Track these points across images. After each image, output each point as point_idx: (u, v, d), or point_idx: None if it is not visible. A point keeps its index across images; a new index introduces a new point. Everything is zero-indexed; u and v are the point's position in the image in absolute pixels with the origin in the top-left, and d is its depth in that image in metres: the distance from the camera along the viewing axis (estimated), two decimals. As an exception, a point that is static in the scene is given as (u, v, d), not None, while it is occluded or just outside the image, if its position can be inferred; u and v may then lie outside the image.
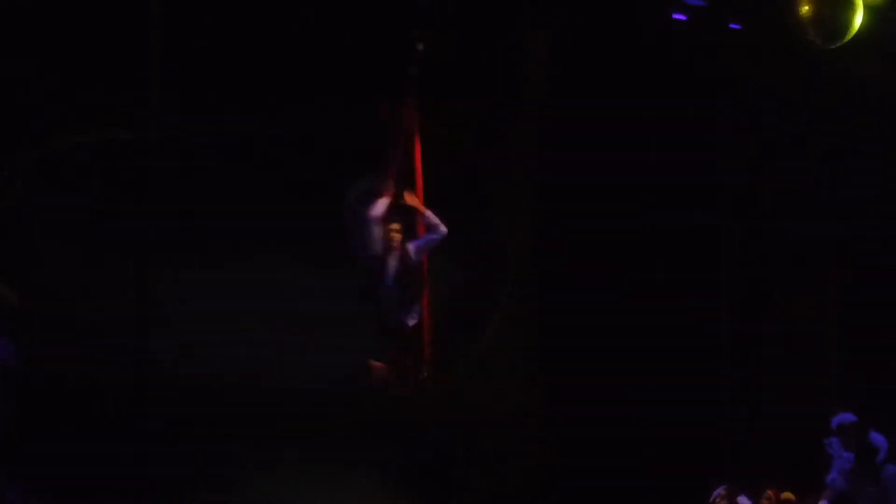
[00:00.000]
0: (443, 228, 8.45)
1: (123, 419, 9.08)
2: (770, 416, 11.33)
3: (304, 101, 9.89)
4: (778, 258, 11.75)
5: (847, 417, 10.22)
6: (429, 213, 8.45)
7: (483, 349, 10.68)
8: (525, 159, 11.03)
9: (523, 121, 10.98)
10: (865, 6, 9.94)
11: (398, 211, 8.36)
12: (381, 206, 8.30)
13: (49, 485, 8.67)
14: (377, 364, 8.24)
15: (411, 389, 8.33)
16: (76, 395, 9.08)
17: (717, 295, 11.65)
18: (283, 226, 9.79)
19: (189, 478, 9.38)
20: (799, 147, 11.60)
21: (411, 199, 8.37)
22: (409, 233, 8.42)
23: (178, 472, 9.29)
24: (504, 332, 10.78)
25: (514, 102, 10.77)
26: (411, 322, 8.35)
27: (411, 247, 8.38)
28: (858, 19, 9.94)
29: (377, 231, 8.28)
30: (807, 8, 9.98)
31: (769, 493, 10.05)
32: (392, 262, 8.30)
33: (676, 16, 10.96)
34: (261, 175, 9.84)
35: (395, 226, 8.34)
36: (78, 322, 9.18)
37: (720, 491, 10.05)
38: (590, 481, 10.84)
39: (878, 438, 10.09)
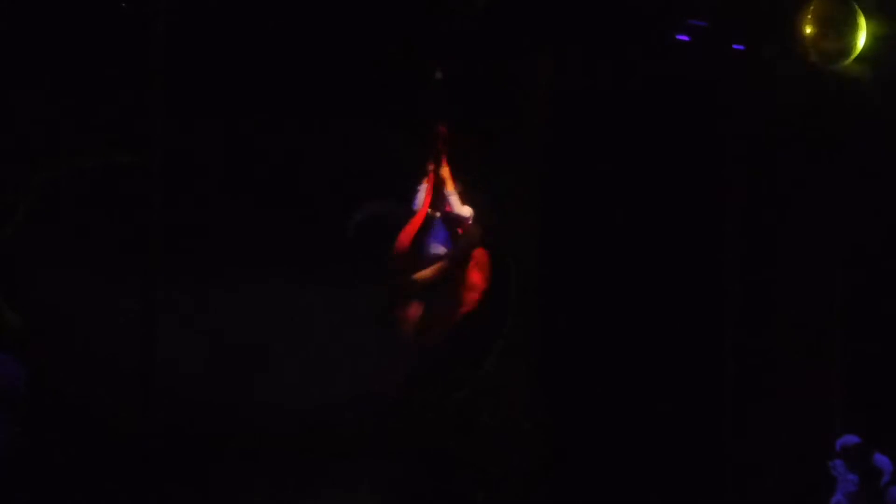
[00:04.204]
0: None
1: (129, 439, 9.05)
2: (774, 438, 11.31)
3: (314, 120, 9.89)
4: (782, 274, 11.74)
5: (851, 439, 10.19)
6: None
7: (487, 369, 10.69)
8: (527, 182, 11.04)
9: (526, 139, 10.99)
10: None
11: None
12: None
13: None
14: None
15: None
16: (82, 415, 9.07)
17: (722, 314, 11.65)
18: (291, 244, 9.77)
19: (196, 498, 9.38)
20: (804, 157, 11.60)
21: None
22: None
23: (185, 492, 9.27)
24: (507, 350, 10.79)
25: (518, 123, 10.78)
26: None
27: None
28: (862, 40, 9.97)
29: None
30: (810, 28, 10.01)
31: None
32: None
33: (680, 36, 10.97)
34: (269, 193, 9.83)
35: None
36: (83, 342, 9.16)
37: (724, 513, 10.08)
38: (592, 500, 10.84)
39: (882, 461, 10.06)
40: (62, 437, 8.90)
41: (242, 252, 9.72)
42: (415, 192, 8.49)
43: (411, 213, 8.38)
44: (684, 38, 10.99)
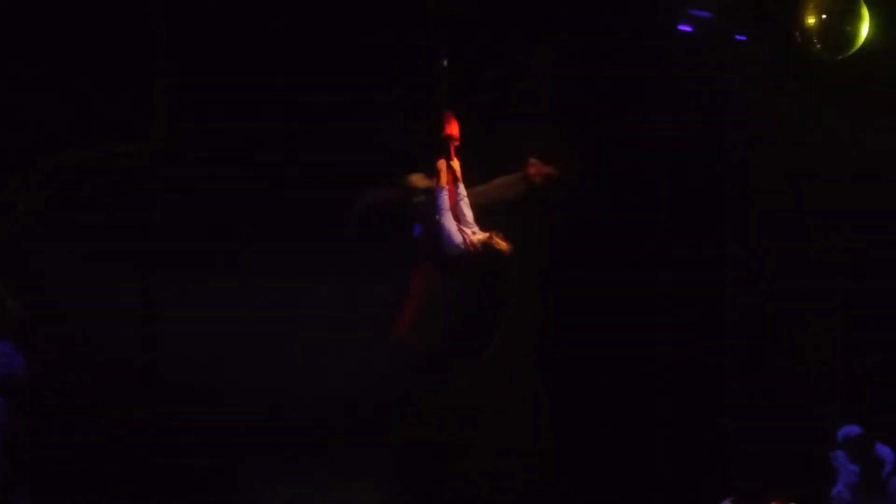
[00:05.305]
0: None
1: (130, 430, 9.06)
2: (775, 428, 11.30)
3: (318, 115, 9.89)
4: (783, 269, 11.73)
5: (853, 430, 10.20)
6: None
7: (487, 362, 10.68)
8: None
9: (528, 133, 10.97)
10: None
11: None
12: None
13: (57, 496, 8.66)
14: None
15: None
16: (83, 406, 9.08)
17: (722, 306, 11.65)
18: (293, 236, 9.76)
19: (197, 492, 9.39)
20: (807, 158, 11.60)
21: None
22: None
23: (187, 484, 9.28)
24: (508, 344, 10.78)
25: (518, 117, 10.77)
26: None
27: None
28: (865, 30, 9.94)
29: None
30: (813, 19, 9.98)
31: (774, 505, 10.07)
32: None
33: (682, 27, 10.96)
34: (271, 185, 9.83)
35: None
36: (85, 333, 9.16)
37: (725, 503, 10.06)
38: (594, 495, 10.84)
39: (884, 451, 10.07)
40: (63, 428, 8.90)
41: (244, 244, 9.71)
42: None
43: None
44: (687, 28, 10.98)
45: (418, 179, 8.58)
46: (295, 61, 9.86)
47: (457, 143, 8.61)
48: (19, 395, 7.87)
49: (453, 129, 8.55)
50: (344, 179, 9.54)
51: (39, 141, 9.24)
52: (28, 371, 7.99)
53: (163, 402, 9.15)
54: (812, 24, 9.94)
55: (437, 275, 8.66)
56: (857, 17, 9.95)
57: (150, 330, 9.16)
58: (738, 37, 11.16)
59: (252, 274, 9.73)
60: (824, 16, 9.89)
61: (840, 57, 10.03)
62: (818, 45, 9.93)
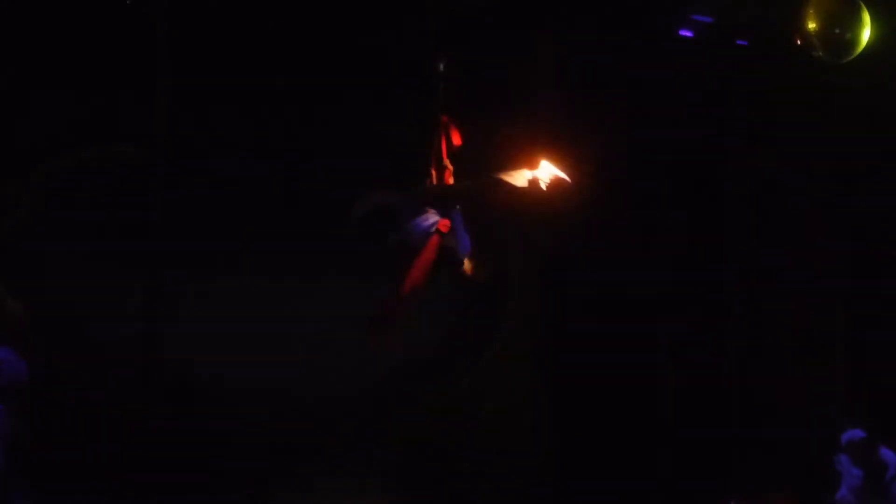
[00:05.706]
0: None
1: (130, 430, 9.07)
2: (779, 433, 11.31)
3: (318, 116, 9.88)
4: (783, 269, 11.73)
5: (857, 434, 10.18)
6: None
7: (487, 362, 10.70)
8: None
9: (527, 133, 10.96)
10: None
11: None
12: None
13: (57, 496, 8.66)
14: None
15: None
16: (84, 409, 9.08)
17: (724, 308, 11.65)
18: (294, 236, 9.76)
19: (197, 492, 9.39)
20: (808, 161, 11.59)
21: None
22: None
23: (186, 485, 9.28)
24: (508, 344, 10.79)
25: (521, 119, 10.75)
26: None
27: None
28: (866, 35, 9.92)
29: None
30: (814, 24, 9.96)
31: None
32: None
33: (683, 32, 10.96)
34: (272, 187, 9.82)
35: None
36: (86, 334, 9.16)
37: (729, 506, 10.12)
38: (594, 495, 10.85)
39: (888, 455, 10.05)
40: (63, 428, 8.89)
41: (244, 244, 9.70)
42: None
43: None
44: (688, 33, 10.98)
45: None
46: (295, 62, 9.86)
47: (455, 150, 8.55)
48: (21, 401, 7.85)
49: (457, 137, 8.50)
50: (344, 180, 9.52)
51: (39, 141, 9.22)
52: (29, 375, 7.97)
53: (163, 402, 9.14)
54: (813, 29, 9.92)
55: (435, 273, 8.61)
56: (858, 22, 9.93)
57: (150, 330, 9.15)
58: (739, 41, 11.15)
59: (252, 274, 9.71)
60: (825, 20, 9.87)
61: (842, 61, 10.00)
62: (819, 50, 9.91)
